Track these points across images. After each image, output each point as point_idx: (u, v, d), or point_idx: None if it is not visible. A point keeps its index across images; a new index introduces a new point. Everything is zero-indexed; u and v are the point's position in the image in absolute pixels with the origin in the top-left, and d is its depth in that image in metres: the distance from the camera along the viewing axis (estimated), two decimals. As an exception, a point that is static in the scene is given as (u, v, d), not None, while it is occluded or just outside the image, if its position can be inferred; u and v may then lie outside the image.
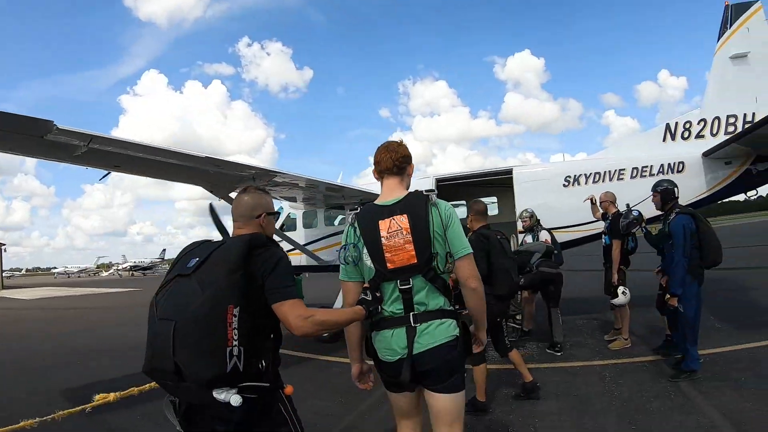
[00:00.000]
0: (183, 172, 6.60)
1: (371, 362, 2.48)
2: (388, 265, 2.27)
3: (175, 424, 2.09)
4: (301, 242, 9.81)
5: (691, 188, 7.46)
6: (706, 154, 7.74)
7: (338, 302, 6.41)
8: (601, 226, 6.90)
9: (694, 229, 4.70)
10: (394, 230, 2.28)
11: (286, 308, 1.96)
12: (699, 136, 8.20)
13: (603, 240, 6.54)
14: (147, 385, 2.95)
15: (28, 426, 2.49)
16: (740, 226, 44.40)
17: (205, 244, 2.15)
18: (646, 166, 8.08)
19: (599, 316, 8.32)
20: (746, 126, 7.67)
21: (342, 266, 2.44)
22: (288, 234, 9.50)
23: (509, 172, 9.00)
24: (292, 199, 9.85)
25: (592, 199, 7.02)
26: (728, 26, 8.12)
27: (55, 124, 4.47)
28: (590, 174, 8.39)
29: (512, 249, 7.49)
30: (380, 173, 2.51)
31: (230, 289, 1.89)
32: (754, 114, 7.73)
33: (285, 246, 8.33)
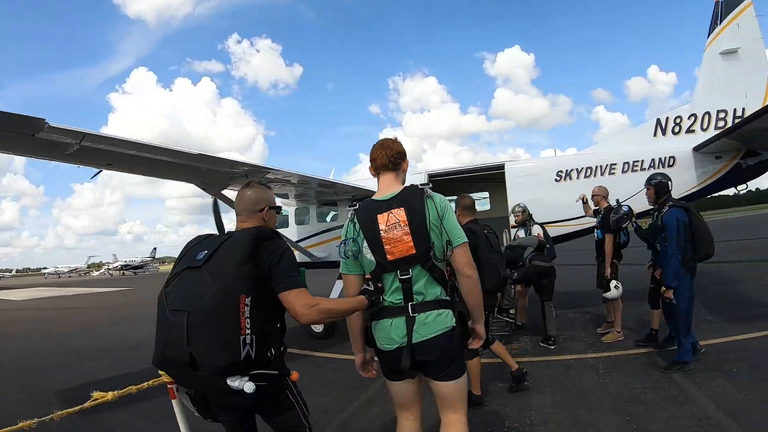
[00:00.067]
0: (175, 169, 6.55)
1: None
2: (388, 256, 2.35)
3: (193, 411, 2.21)
4: (294, 239, 9.79)
5: (681, 182, 7.52)
6: (697, 149, 7.81)
7: (333, 297, 6.43)
8: (592, 220, 6.95)
9: (687, 222, 4.74)
10: (393, 223, 2.35)
11: (293, 297, 2.04)
12: (689, 131, 8.26)
13: (595, 234, 6.59)
14: (145, 384, 2.93)
15: (26, 426, 2.46)
16: (730, 220, 44.86)
17: (211, 237, 2.23)
18: (638, 161, 8.13)
19: (591, 310, 8.38)
20: (736, 121, 7.74)
21: (342, 260, 2.52)
22: (280, 231, 9.45)
23: (501, 167, 9.01)
24: (284, 196, 9.81)
25: (583, 198, 7.06)
26: (718, 22, 8.18)
27: (46, 122, 4.41)
28: (582, 169, 8.43)
29: (505, 244, 7.56)
30: (376, 170, 2.59)
31: (241, 280, 1.96)
32: (744, 109, 7.80)
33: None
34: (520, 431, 3.77)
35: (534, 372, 5.24)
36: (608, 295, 6.15)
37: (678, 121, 8.38)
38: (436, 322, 2.32)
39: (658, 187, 5.14)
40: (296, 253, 9.55)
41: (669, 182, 5.14)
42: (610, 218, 6.14)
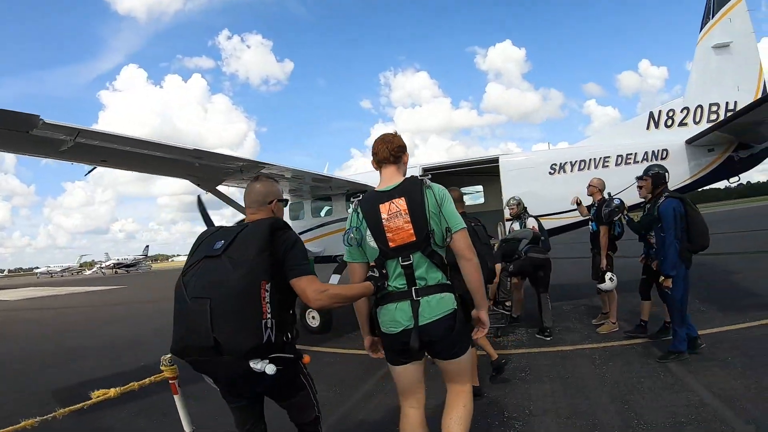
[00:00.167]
0: (170, 165, 6.51)
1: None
2: (390, 243, 2.48)
3: (213, 385, 2.31)
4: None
5: (674, 175, 7.55)
6: (690, 142, 7.85)
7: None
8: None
9: (683, 212, 4.78)
10: (394, 212, 2.49)
11: (304, 283, 2.19)
12: (682, 124, 8.31)
13: (590, 226, 6.63)
14: (147, 380, 2.92)
15: (29, 426, 2.46)
16: (721, 212, 45.27)
17: (224, 229, 2.35)
18: (631, 154, 8.18)
19: (586, 302, 8.45)
20: (728, 114, 7.79)
21: (346, 248, 2.66)
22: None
23: (495, 160, 9.02)
24: (279, 191, 9.77)
25: (576, 201, 7.12)
26: (711, 16, 8.22)
27: (41, 119, 4.36)
28: (576, 162, 8.46)
29: (500, 237, 7.59)
30: (378, 163, 2.73)
31: (261, 266, 2.09)
32: (736, 102, 7.85)
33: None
34: (520, 421, 3.80)
35: (531, 363, 5.30)
36: (603, 286, 6.20)
37: (671, 114, 8.42)
38: (439, 305, 2.45)
39: (655, 178, 5.17)
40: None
41: (666, 173, 5.18)
42: (602, 211, 6.21)
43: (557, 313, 7.35)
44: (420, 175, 2.80)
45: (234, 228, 2.29)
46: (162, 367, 2.90)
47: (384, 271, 2.51)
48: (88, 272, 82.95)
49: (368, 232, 2.54)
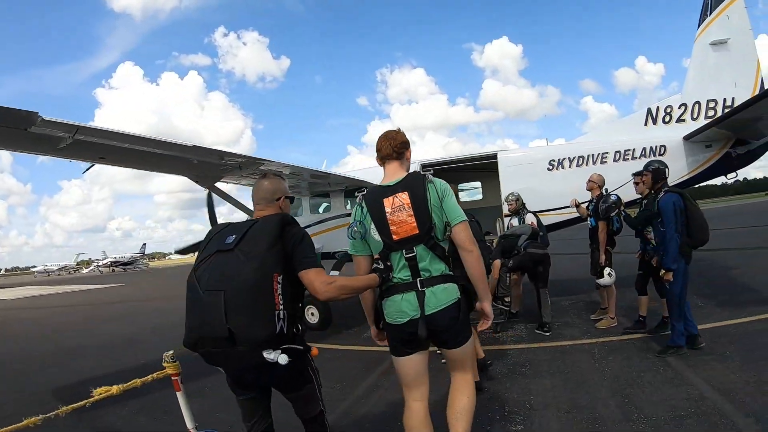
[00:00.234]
0: (169, 162, 6.47)
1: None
2: (394, 236, 2.57)
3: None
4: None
5: (672, 171, 7.54)
6: (687, 138, 7.90)
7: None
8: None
9: (683, 207, 4.80)
10: (397, 206, 2.57)
11: (312, 275, 2.25)
12: (680, 120, 8.36)
13: (589, 222, 6.65)
14: (149, 376, 2.92)
15: (31, 424, 2.47)
16: (718, 209, 45.47)
17: (234, 224, 2.43)
18: (629, 150, 8.22)
19: (584, 297, 8.49)
20: (726, 110, 7.84)
21: (350, 241, 2.75)
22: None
23: (494, 156, 9.05)
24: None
25: (575, 203, 7.13)
26: (708, 13, 8.27)
27: (39, 116, 4.33)
28: (574, 158, 8.51)
29: (498, 233, 7.61)
30: (382, 159, 2.82)
31: (273, 260, 2.17)
32: (733, 99, 7.90)
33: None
34: (521, 415, 3.81)
35: (530, 358, 5.33)
36: (602, 281, 6.22)
37: (668, 110, 8.47)
38: (443, 295, 2.54)
39: (656, 173, 5.19)
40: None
41: (666, 169, 5.20)
42: (599, 207, 6.25)
43: (556, 309, 7.36)
44: (419, 171, 2.83)
45: (244, 223, 2.36)
46: (164, 364, 2.90)
47: (388, 264, 2.60)
48: (85, 271, 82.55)
49: (372, 226, 2.62)
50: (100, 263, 77.03)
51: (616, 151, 8.27)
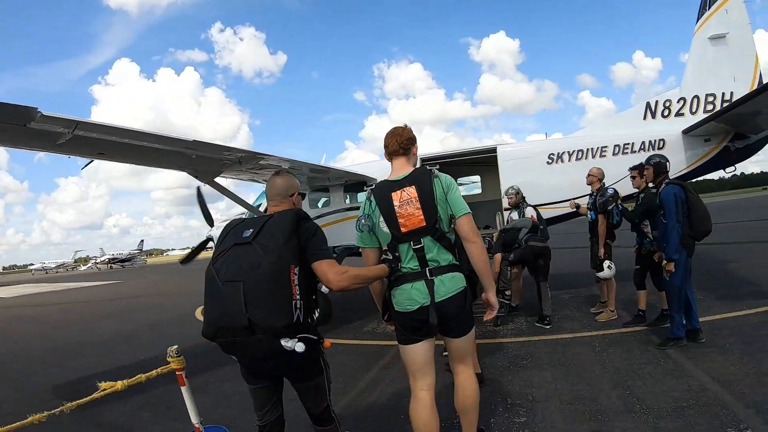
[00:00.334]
0: (168, 157, 6.44)
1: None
2: (402, 229, 2.68)
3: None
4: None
5: (671, 165, 7.63)
6: (686, 132, 7.91)
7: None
8: (584, 202, 7.01)
9: (684, 198, 4.81)
10: (405, 200, 2.69)
11: (325, 266, 2.35)
12: (679, 114, 8.37)
13: (589, 215, 6.68)
14: (154, 371, 2.92)
15: (36, 420, 2.47)
16: (716, 203, 45.62)
17: (249, 219, 2.54)
18: (628, 144, 8.22)
19: (584, 291, 8.54)
20: (725, 105, 7.85)
21: (359, 234, 2.85)
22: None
23: (493, 150, 9.04)
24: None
25: (574, 205, 7.12)
26: (707, 8, 8.27)
27: (39, 111, 4.31)
28: (573, 151, 8.49)
29: (498, 227, 7.62)
30: (389, 155, 2.94)
31: (290, 252, 2.27)
32: (732, 93, 7.92)
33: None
34: (523, 407, 3.84)
35: (532, 351, 5.36)
36: (602, 274, 6.25)
37: (667, 104, 8.47)
38: (451, 283, 2.67)
39: (657, 167, 5.20)
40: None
41: (667, 163, 5.21)
42: (597, 201, 6.29)
43: (556, 302, 7.40)
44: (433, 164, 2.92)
45: (260, 218, 2.44)
46: (169, 359, 2.90)
47: (396, 255, 2.72)
48: (83, 268, 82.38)
49: (381, 219, 2.74)
50: (98, 260, 76.84)
51: (615, 145, 8.27)
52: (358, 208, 9.23)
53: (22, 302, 22.13)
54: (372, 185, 2.94)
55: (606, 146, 8.33)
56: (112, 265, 70.87)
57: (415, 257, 2.68)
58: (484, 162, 9.75)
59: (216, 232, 11.04)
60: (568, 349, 5.31)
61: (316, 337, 2.38)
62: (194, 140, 5.92)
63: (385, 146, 2.94)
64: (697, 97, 8.24)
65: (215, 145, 6.38)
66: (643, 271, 5.85)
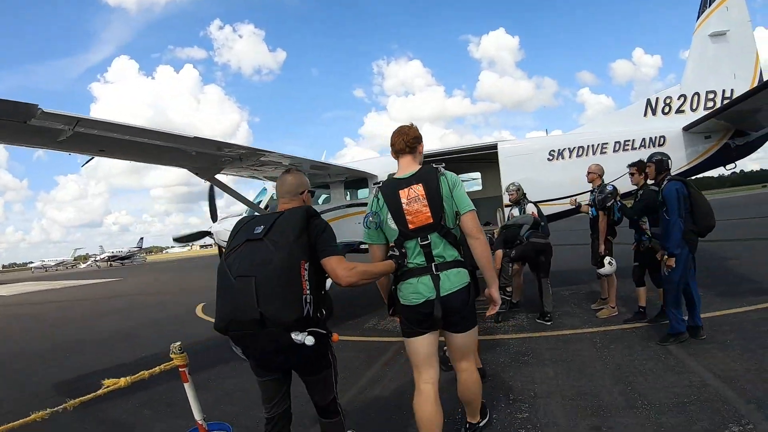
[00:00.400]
0: (169, 154, 6.43)
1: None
2: (410, 225, 2.77)
3: (244, 358, 2.49)
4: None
5: (672, 162, 7.64)
6: (687, 129, 7.93)
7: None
8: (585, 199, 7.01)
9: (686, 194, 4.82)
10: (413, 197, 2.78)
11: (334, 262, 2.41)
12: (679, 111, 8.38)
13: (590, 212, 6.68)
14: (157, 368, 2.92)
15: (39, 418, 2.47)
16: (715, 201, 45.61)
17: (262, 216, 2.58)
18: (629, 140, 8.23)
19: (585, 288, 8.55)
20: (725, 102, 7.86)
21: (366, 231, 2.94)
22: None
23: (494, 147, 9.05)
24: (276, 179, 9.72)
25: (573, 202, 7.11)
26: (708, 5, 8.28)
27: (39, 108, 4.30)
28: (574, 148, 8.50)
29: (499, 223, 7.62)
30: (396, 153, 3.00)
31: (300, 248, 2.33)
32: (732, 90, 7.93)
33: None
34: (526, 403, 3.85)
35: (533, 347, 5.37)
36: (602, 271, 6.26)
37: (668, 101, 8.49)
38: (456, 278, 2.76)
39: (659, 164, 5.20)
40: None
41: (669, 160, 5.22)
42: (596, 197, 6.30)
43: (556, 299, 7.38)
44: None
45: (271, 215, 2.51)
46: (172, 355, 2.90)
47: (403, 251, 2.81)
48: (82, 266, 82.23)
49: (389, 215, 2.81)
50: (98, 258, 76.72)
51: (616, 142, 8.28)
52: (358, 205, 9.29)
53: (21, 300, 22.07)
54: (380, 183, 2.99)
55: (607, 143, 8.34)
56: (112, 262, 70.78)
57: (422, 253, 2.75)
58: (484, 159, 9.74)
59: (217, 227, 11.06)
60: (569, 345, 5.32)
61: (325, 331, 2.43)
62: (195, 137, 5.91)
63: (392, 145, 3.00)
64: (697, 94, 8.25)
65: (216, 141, 6.37)
66: (642, 268, 5.86)
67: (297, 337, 2.23)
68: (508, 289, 6.83)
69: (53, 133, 4.96)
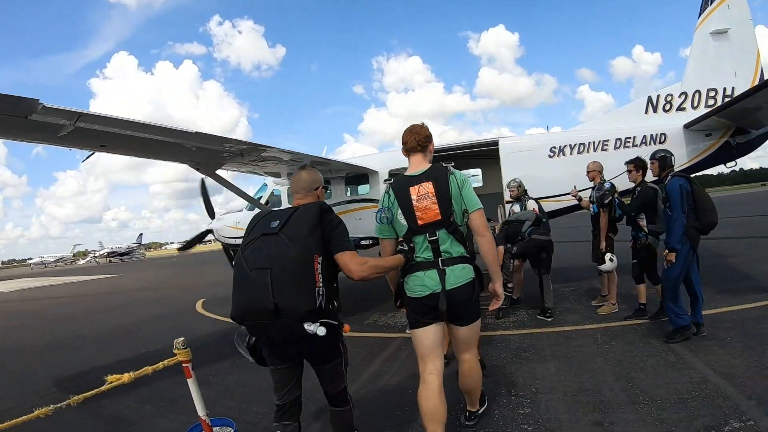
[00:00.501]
0: (170, 149, 6.41)
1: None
2: (419, 222, 2.88)
3: (249, 358, 2.62)
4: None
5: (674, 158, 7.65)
6: (688, 126, 7.91)
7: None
8: (586, 196, 7.01)
9: (690, 190, 4.82)
10: (423, 194, 2.89)
11: (347, 257, 2.53)
12: (680, 108, 8.37)
13: (591, 209, 6.69)
14: (161, 363, 2.92)
15: (42, 414, 2.47)
16: (715, 199, 45.60)
17: (277, 211, 2.69)
18: (629, 137, 8.23)
19: (585, 284, 8.55)
20: (726, 100, 7.86)
21: (377, 225, 3.05)
22: (273, 210, 9.38)
23: (495, 143, 9.05)
24: (277, 175, 9.76)
25: (573, 193, 7.14)
26: (709, 3, 8.26)
27: (40, 103, 4.29)
28: (575, 145, 8.50)
29: (500, 220, 7.62)
30: (407, 151, 3.11)
31: (314, 242, 2.44)
32: (733, 88, 7.91)
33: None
34: (528, 399, 3.86)
35: (534, 343, 5.38)
36: (603, 267, 6.27)
37: (669, 99, 8.47)
38: (462, 273, 2.86)
39: (662, 160, 5.22)
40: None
41: (672, 157, 5.24)
42: (594, 194, 6.32)
43: (557, 295, 7.39)
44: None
45: (286, 210, 2.61)
46: (175, 351, 2.89)
47: (411, 245, 2.90)
48: (81, 262, 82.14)
49: (399, 211, 2.93)
50: (97, 254, 76.74)
51: (617, 139, 8.28)
52: (359, 201, 9.30)
53: (21, 296, 22.05)
54: (391, 180, 3.10)
55: (607, 140, 8.33)
56: (111, 258, 70.82)
57: (430, 248, 2.86)
58: (484, 155, 9.74)
59: (216, 224, 11.06)
60: (570, 341, 5.33)
61: (336, 323, 2.53)
62: (196, 132, 5.90)
63: (403, 143, 3.09)
64: (698, 91, 8.24)
65: (217, 136, 6.36)
66: (640, 265, 5.87)
67: (309, 327, 2.31)
68: (509, 285, 6.83)
69: (54, 128, 4.94)
